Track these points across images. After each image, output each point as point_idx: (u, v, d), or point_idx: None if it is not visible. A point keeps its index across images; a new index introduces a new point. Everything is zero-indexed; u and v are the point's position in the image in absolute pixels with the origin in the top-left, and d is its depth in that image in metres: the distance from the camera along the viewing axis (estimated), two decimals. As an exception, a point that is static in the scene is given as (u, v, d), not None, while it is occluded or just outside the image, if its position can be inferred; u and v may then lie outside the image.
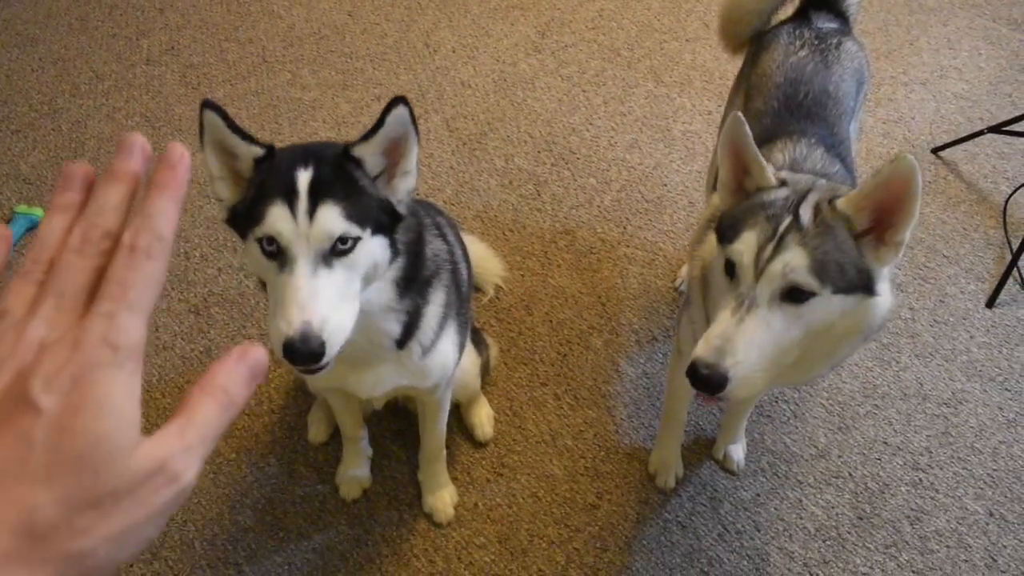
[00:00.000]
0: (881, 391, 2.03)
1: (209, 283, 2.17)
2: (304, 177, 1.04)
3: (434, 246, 1.35)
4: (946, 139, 2.63)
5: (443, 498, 1.76)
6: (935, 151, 2.63)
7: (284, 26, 3.01)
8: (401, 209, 1.15)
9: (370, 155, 1.10)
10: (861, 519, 1.81)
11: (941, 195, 2.50)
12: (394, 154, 1.13)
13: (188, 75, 2.80)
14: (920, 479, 1.88)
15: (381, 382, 1.37)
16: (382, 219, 1.11)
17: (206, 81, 2.77)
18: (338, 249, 1.05)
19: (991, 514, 1.83)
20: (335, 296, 1.05)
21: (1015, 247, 2.24)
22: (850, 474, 1.88)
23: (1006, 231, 2.38)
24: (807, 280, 1.09)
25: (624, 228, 2.37)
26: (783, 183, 1.19)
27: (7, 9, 3.04)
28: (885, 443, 1.94)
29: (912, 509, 1.83)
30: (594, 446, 1.90)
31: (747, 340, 1.11)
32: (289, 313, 1.01)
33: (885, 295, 1.17)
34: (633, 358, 2.07)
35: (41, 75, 2.77)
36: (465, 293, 1.56)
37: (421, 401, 1.61)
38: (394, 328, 1.27)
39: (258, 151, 1.08)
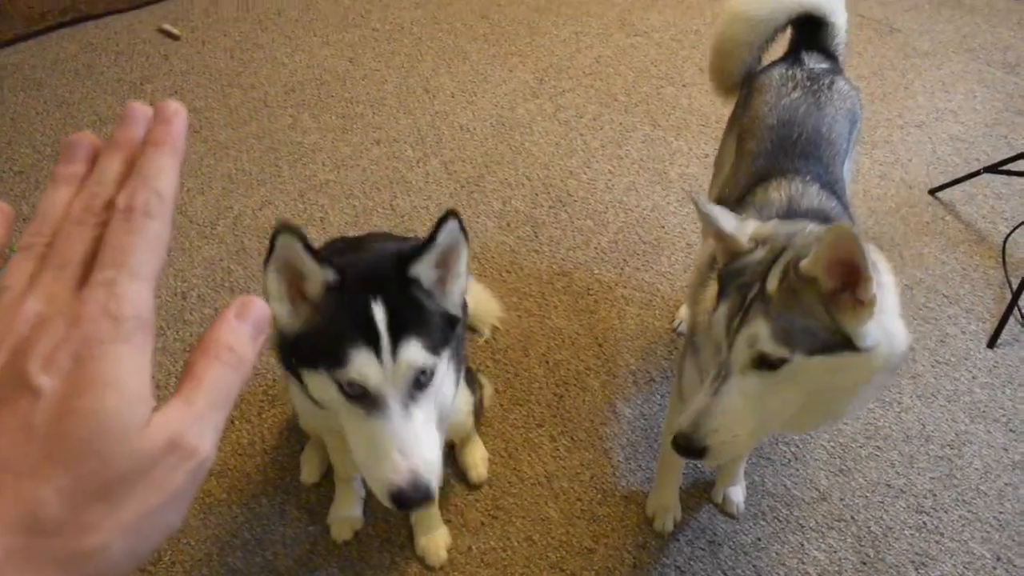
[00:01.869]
0: (883, 433, 2.00)
1: (206, 323, 2.16)
2: (379, 311, 1.04)
3: None
4: (943, 180, 2.64)
5: (436, 540, 1.72)
6: (932, 192, 2.63)
7: (286, 72, 3.06)
8: (457, 312, 1.16)
9: (425, 272, 1.11)
10: (865, 564, 1.77)
11: (940, 236, 2.50)
12: (446, 264, 1.14)
13: (190, 119, 2.82)
14: (925, 522, 1.84)
15: None
16: (448, 334, 1.13)
17: (208, 125, 2.80)
18: (420, 382, 1.07)
19: (998, 558, 1.78)
20: (428, 430, 1.07)
21: (1015, 286, 2.23)
22: (853, 517, 1.84)
23: (1006, 270, 2.37)
24: (773, 348, 1.10)
25: (622, 269, 2.37)
26: (757, 245, 1.20)
27: (15, 54, 3.09)
28: (888, 486, 1.90)
29: (917, 553, 1.79)
30: (591, 489, 1.87)
31: (722, 410, 1.15)
32: (394, 461, 1.03)
33: (885, 342, 1.14)
34: (631, 399, 2.05)
35: (46, 118, 2.81)
36: (459, 331, 1.55)
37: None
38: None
39: (331, 276, 1.05)
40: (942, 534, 1.82)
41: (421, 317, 1.08)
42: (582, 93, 3.03)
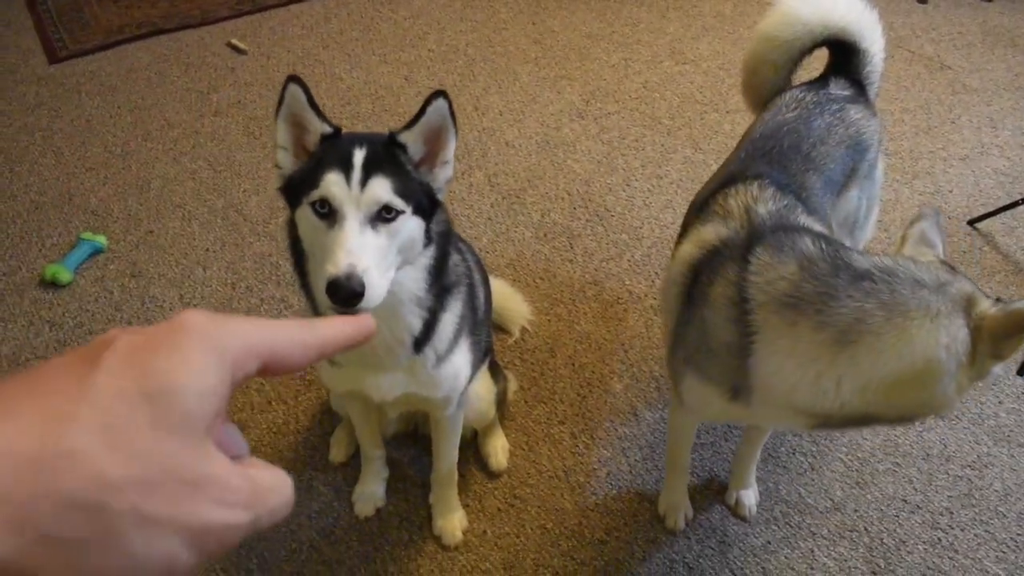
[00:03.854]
0: (903, 450, 2.00)
1: (252, 311, 2.29)
2: (359, 154, 1.16)
3: (455, 259, 1.43)
4: (983, 212, 2.64)
5: (452, 522, 1.79)
6: (971, 222, 2.64)
7: (343, 87, 3.21)
8: (439, 196, 1.27)
9: (412, 142, 1.22)
10: (875, 574, 1.78)
11: (976, 265, 2.50)
12: (434, 144, 1.25)
13: (251, 126, 2.99)
14: (939, 539, 1.84)
15: (394, 386, 1.44)
16: (422, 201, 1.22)
17: (267, 132, 2.96)
18: (383, 216, 1.15)
19: (1013, 578, 1.78)
20: (377, 254, 1.14)
21: (1047, 315, 2.22)
22: (866, 529, 1.85)
23: (1040, 301, 2.36)
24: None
25: (652, 282, 2.43)
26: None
27: (94, 62, 3.31)
28: (904, 501, 1.91)
29: (929, 568, 1.79)
30: (606, 484, 1.92)
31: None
32: (336, 257, 1.10)
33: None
34: (652, 404, 2.10)
35: (118, 120, 3.00)
36: (481, 316, 1.63)
37: (434, 419, 1.67)
38: (415, 323, 1.34)
39: (328, 128, 1.20)
40: (956, 551, 1.82)
41: (397, 169, 1.19)
42: (627, 116, 3.12)
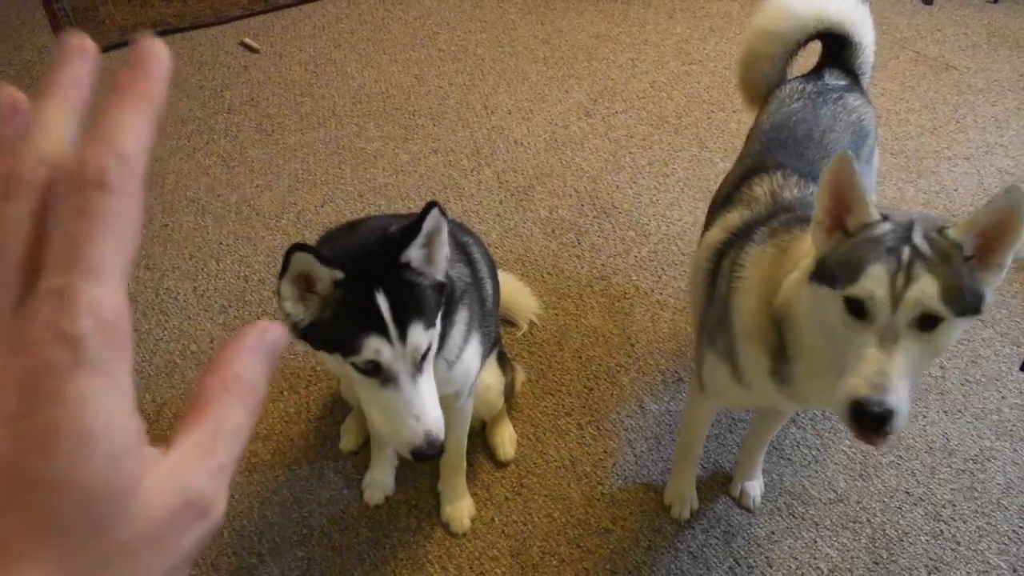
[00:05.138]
0: (906, 443, 2.03)
1: (264, 304, 2.33)
2: (384, 304, 1.19)
3: (458, 270, 1.47)
4: (987, 210, 2.66)
5: (460, 509, 1.82)
6: (975, 221, 2.66)
7: (355, 85, 3.25)
8: (441, 278, 1.30)
9: (414, 254, 1.25)
10: (877, 564, 1.80)
11: (979, 262, 2.52)
12: (431, 241, 1.27)
13: (264, 123, 3.03)
14: (941, 530, 1.86)
15: None
16: (439, 300, 1.28)
17: (280, 129, 3.00)
18: (424, 355, 1.24)
19: (1015, 570, 1.80)
20: (433, 394, 1.25)
21: (1051, 312, 2.24)
22: (868, 520, 1.88)
23: (1043, 298, 2.38)
24: (939, 307, 1.11)
25: (659, 277, 2.46)
26: (885, 217, 1.21)
27: (108, 60, 3.31)
28: (907, 493, 1.93)
29: (931, 559, 1.81)
30: (612, 475, 1.95)
31: (900, 372, 1.11)
32: (410, 426, 1.22)
33: None
34: (658, 396, 2.12)
35: (133, 117, 3.05)
36: (489, 307, 1.66)
37: (444, 408, 1.69)
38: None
39: (339, 275, 1.19)
40: (958, 542, 1.84)
41: (418, 299, 1.23)
42: (634, 115, 3.15)
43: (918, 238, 1.14)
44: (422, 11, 3.75)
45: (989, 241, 1.14)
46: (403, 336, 1.20)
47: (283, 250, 1.20)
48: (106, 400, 0.26)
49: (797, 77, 1.85)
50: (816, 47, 1.91)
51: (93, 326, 0.26)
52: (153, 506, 0.27)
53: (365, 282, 1.19)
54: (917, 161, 2.92)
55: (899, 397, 1.11)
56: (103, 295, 0.26)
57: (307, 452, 1.97)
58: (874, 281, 1.12)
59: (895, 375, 1.11)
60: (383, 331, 1.19)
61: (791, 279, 1.32)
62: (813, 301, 1.23)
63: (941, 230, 1.16)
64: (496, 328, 1.82)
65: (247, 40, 3.47)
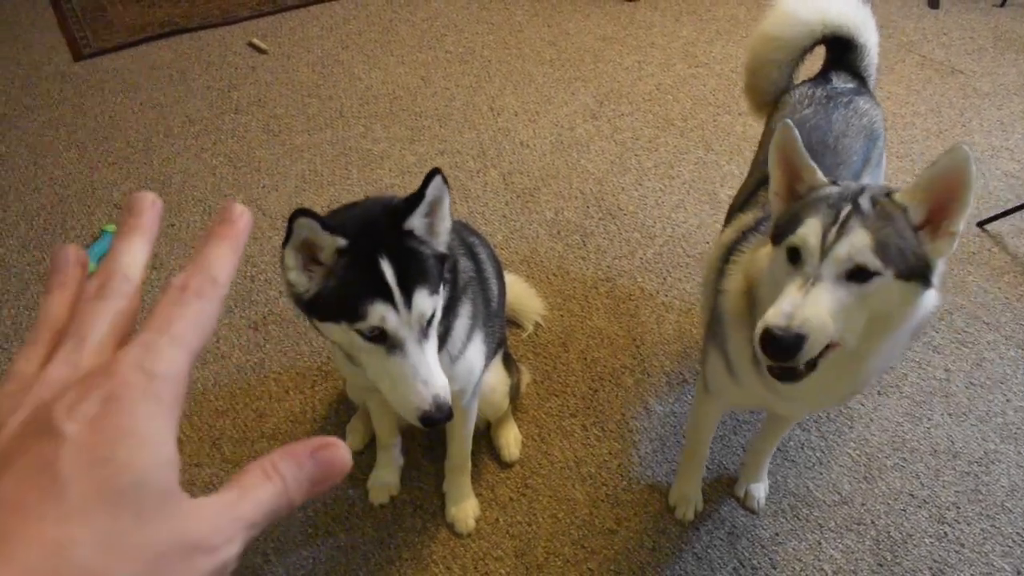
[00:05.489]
0: (910, 445, 2.03)
1: (270, 303, 2.34)
2: (389, 270, 1.18)
3: (462, 264, 1.48)
4: (993, 214, 2.66)
5: (465, 510, 1.83)
6: (980, 224, 2.66)
7: (362, 86, 3.26)
8: (444, 249, 1.30)
9: (417, 222, 1.24)
10: (881, 566, 1.80)
11: (985, 266, 2.52)
12: (434, 211, 1.27)
13: (271, 124, 3.05)
14: (946, 532, 1.86)
15: None
16: (441, 270, 1.28)
17: (287, 130, 3.01)
18: (429, 320, 1.24)
19: (1019, 572, 1.80)
20: (437, 361, 1.25)
21: (1056, 315, 2.24)
22: (872, 522, 1.88)
23: (1049, 302, 2.38)
24: (871, 259, 1.13)
25: (664, 279, 2.46)
26: (835, 182, 1.26)
27: (117, 60, 3.38)
28: (911, 495, 1.93)
29: (935, 561, 1.81)
30: (617, 476, 1.96)
31: (814, 304, 1.14)
32: (418, 391, 1.22)
33: (936, 289, 1.22)
34: (663, 397, 2.13)
35: (140, 117, 3.07)
36: (494, 307, 1.67)
37: (449, 408, 1.70)
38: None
39: (342, 242, 1.18)
40: (963, 544, 1.84)
41: (421, 265, 1.23)
42: (640, 117, 3.16)
43: (863, 199, 1.18)
44: (429, 13, 3.76)
45: (940, 208, 1.15)
46: (408, 302, 1.19)
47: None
48: (159, 422, 0.33)
49: (805, 82, 1.85)
50: (820, 51, 1.92)
51: (166, 372, 0.34)
52: (181, 527, 0.32)
53: (368, 249, 1.19)
54: (923, 164, 2.91)
55: (807, 323, 1.13)
56: (177, 355, 0.35)
57: (313, 451, 1.97)
58: (808, 229, 1.17)
59: (807, 307, 1.13)
60: (388, 297, 1.18)
61: (761, 252, 1.36)
62: (769, 263, 1.28)
63: (889, 194, 1.19)
64: (502, 329, 1.83)
65: (255, 41, 3.49)
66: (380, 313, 1.18)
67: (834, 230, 1.16)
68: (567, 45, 3.57)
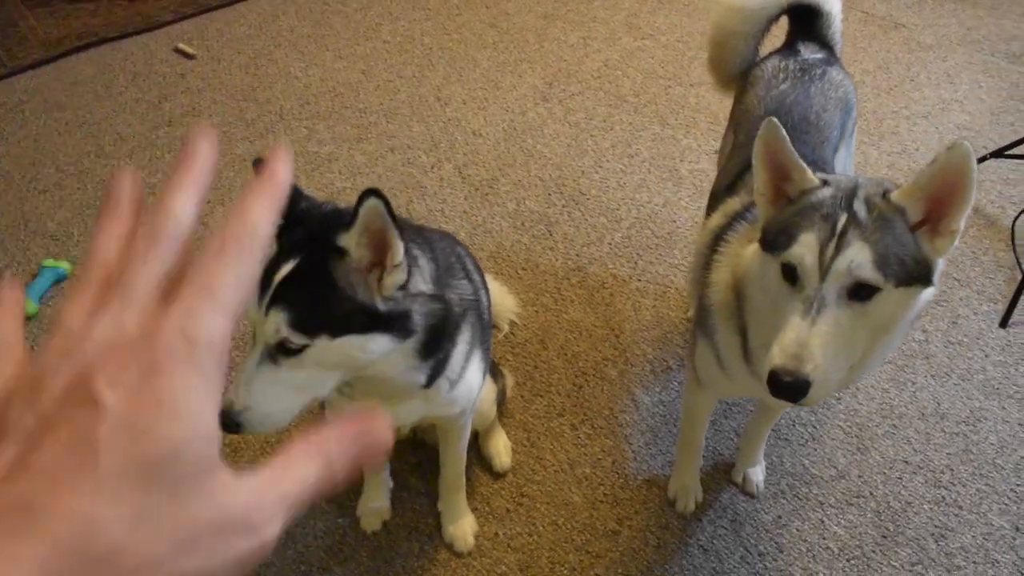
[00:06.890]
0: (898, 412, 2.03)
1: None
2: (284, 271, 1.08)
3: (461, 289, 1.36)
4: (950, 167, 2.67)
5: (463, 527, 1.76)
6: (940, 179, 2.67)
7: (300, 86, 3.13)
8: (381, 307, 1.12)
9: (352, 244, 1.09)
10: (885, 537, 1.80)
11: (949, 221, 2.53)
12: (377, 246, 1.11)
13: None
14: (943, 496, 1.87)
15: (411, 413, 1.40)
16: (352, 324, 1.10)
17: (226, 139, 2.87)
18: (285, 349, 1.08)
19: (1017, 529, 1.81)
20: (271, 390, 1.09)
21: (1025, 267, 2.26)
22: (871, 494, 1.87)
23: (1015, 252, 2.40)
24: (873, 275, 1.08)
25: (635, 264, 2.41)
26: (825, 183, 1.18)
27: (36, 78, 3.17)
28: (905, 462, 1.93)
29: (936, 526, 1.81)
30: (612, 474, 1.91)
31: (822, 342, 1.09)
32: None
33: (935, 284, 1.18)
34: (649, 387, 2.09)
35: (67, 138, 2.89)
36: (486, 320, 1.59)
37: (442, 428, 1.63)
38: (419, 379, 1.28)
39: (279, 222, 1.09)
40: (960, 507, 1.85)
41: (315, 293, 1.08)
42: (591, 96, 3.09)
43: (858, 203, 1.12)
44: (362, 3, 3.62)
45: (939, 205, 1.10)
46: (267, 312, 1.07)
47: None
48: (203, 397, 0.32)
49: (772, 54, 1.81)
50: (783, 23, 1.88)
51: (209, 340, 0.32)
52: (222, 502, 0.32)
53: (289, 249, 1.09)
54: (877, 123, 2.91)
55: (816, 368, 1.08)
56: (219, 321, 0.33)
57: (296, 481, 1.89)
58: (804, 247, 1.11)
59: (814, 345, 1.08)
60: (262, 291, 1.08)
61: (747, 249, 1.31)
62: (759, 268, 1.23)
63: (885, 194, 1.13)
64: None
65: (182, 46, 3.31)
66: (251, 303, 1.08)
67: (832, 245, 1.10)
68: (508, 26, 3.48)
